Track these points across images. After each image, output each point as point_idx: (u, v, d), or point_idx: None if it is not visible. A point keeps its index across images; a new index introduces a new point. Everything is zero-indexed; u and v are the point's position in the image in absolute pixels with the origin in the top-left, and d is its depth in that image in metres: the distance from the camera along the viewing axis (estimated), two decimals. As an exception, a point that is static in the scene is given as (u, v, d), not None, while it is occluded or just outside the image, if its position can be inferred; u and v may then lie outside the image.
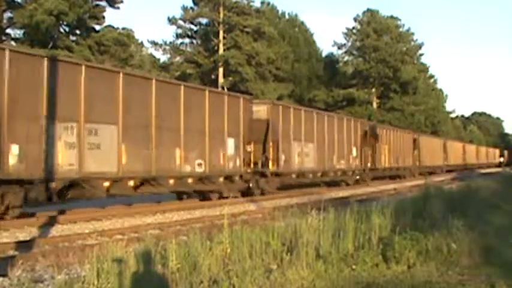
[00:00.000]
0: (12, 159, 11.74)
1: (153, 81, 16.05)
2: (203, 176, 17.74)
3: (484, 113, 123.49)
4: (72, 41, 36.83)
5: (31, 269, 7.54)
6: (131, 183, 15.10)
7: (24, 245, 9.28)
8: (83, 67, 13.72)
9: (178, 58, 50.06)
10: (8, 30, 36.42)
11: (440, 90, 78.47)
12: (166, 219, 13.95)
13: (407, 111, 60.61)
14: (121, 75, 14.83)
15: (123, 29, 42.72)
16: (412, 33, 65.42)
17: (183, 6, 48.30)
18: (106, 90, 14.21)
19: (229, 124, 18.90)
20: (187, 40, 50.34)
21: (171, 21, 48.47)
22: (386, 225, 8.10)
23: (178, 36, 49.43)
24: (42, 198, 12.80)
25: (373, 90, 61.74)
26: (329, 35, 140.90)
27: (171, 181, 16.40)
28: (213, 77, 48.27)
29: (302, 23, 61.06)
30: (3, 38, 35.29)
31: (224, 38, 46.54)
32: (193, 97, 17.33)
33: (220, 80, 46.39)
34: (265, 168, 21.26)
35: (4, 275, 6.95)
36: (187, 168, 16.81)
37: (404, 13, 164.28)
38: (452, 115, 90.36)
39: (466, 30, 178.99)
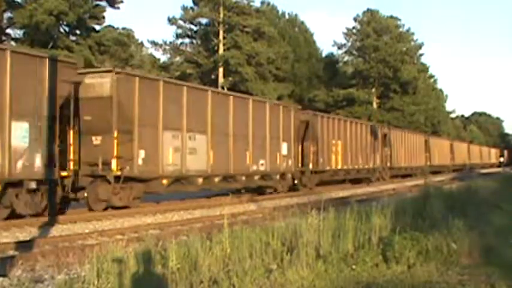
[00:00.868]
0: (140, 161, 15.19)
1: (231, 97, 19.89)
2: (265, 173, 21.33)
3: (484, 113, 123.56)
4: (72, 41, 36.82)
5: (31, 269, 7.54)
6: (216, 179, 18.84)
7: (24, 245, 9.28)
8: (185, 88, 17.53)
9: (178, 58, 50.06)
10: (8, 30, 36.44)
11: (440, 90, 78.57)
12: (166, 219, 13.96)
13: (407, 111, 60.60)
14: (209, 92, 18.65)
15: (123, 29, 42.76)
16: (412, 33, 65.50)
17: (183, 6, 48.34)
18: (199, 106, 17.76)
19: (284, 130, 22.52)
20: (187, 40, 50.37)
21: (171, 21, 48.48)
22: (386, 225, 8.10)
23: (178, 36, 49.45)
24: (155, 192, 16.58)
25: (373, 90, 61.73)
26: (329, 35, 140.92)
27: (243, 178, 20.04)
28: (213, 77, 48.27)
29: (302, 23, 61.15)
30: (3, 38, 35.31)
31: (224, 38, 46.53)
32: (258, 109, 21.03)
33: (220, 80, 46.38)
34: (307, 167, 24.67)
35: (4, 275, 6.95)
36: (254, 167, 20.56)
37: (404, 13, 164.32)
38: (452, 115, 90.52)
39: (466, 30, 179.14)
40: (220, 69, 46.61)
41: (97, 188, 14.72)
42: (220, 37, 46.62)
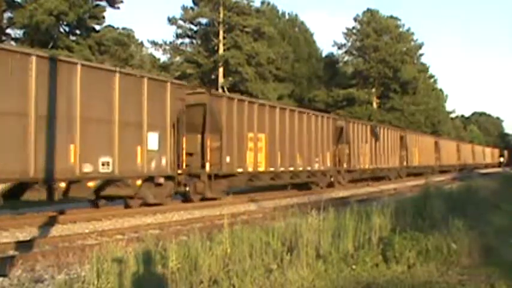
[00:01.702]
0: (227, 162, 19.12)
1: (287, 110, 23.74)
2: (310, 171, 24.97)
3: (484, 113, 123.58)
4: (72, 41, 36.81)
5: (31, 269, 7.54)
6: (287, 176, 23.25)
7: (24, 245, 9.28)
8: (256, 105, 21.29)
9: (178, 58, 50.06)
10: (8, 30, 36.42)
11: (440, 90, 78.49)
12: (166, 219, 13.95)
13: (407, 111, 60.59)
14: (277, 109, 22.80)
15: (123, 29, 42.75)
16: (412, 33, 65.44)
17: (183, 6, 48.35)
18: (271, 118, 21.89)
19: (326, 135, 26.52)
20: (187, 40, 50.37)
21: (171, 21, 48.49)
22: (386, 225, 8.11)
23: (178, 36, 49.46)
24: (239, 186, 20.94)
25: (373, 90, 61.71)
26: (329, 35, 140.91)
27: (306, 175, 25.01)
28: (213, 77, 48.27)
29: (302, 23, 61.12)
30: (3, 38, 35.30)
31: (224, 38, 46.53)
32: (308, 119, 25.10)
33: (220, 80, 46.39)
34: (341, 167, 28.17)
35: (4, 275, 6.95)
36: (308, 168, 24.77)
37: (404, 13, 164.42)
38: (452, 115, 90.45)
39: (466, 30, 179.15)
40: (220, 69, 46.61)
41: (196, 183, 18.12)
42: (220, 37, 46.62)
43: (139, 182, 15.21)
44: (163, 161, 16.05)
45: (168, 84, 16.51)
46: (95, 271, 5.41)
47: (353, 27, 63.32)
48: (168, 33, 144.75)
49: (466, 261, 6.99)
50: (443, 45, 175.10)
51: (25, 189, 12.30)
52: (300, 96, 55.76)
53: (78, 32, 38.03)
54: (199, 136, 18.44)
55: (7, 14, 35.27)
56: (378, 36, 60.95)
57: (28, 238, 10.27)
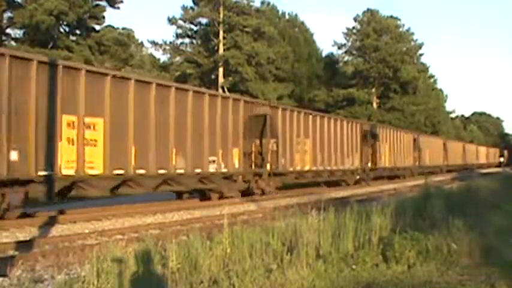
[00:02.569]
0: (282, 163, 22.35)
1: (325, 118, 27.36)
2: (342, 170, 28.77)
3: (484, 113, 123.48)
4: (72, 41, 36.83)
5: (31, 269, 7.54)
6: (325, 174, 26.75)
7: (24, 245, 9.27)
8: (302, 114, 24.81)
9: (178, 58, 50.05)
10: (8, 30, 36.45)
11: (440, 90, 78.45)
12: (166, 219, 13.95)
13: (407, 111, 60.59)
14: (325, 119, 27.03)
15: (123, 29, 42.80)
16: (412, 33, 65.41)
17: (183, 6, 48.33)
18: (321, 127, 26.18)
19: (354, 139, 30.04)
20: (187, 40, 50.36)
21: (171, 21, 48.47)
22: (386, 225, 8.10)
23: (178, 36, 49.44)
24: (289, 183, 23.93)
25: (373, 90, 61.71)
26: (329, 35, 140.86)
27: (340, 173, 28.50)
28: (213, 77, 48.28)
29: (302, 23, 61.10)
30: (3, 38, 35.31)
31: (224, 38, 46.53)
32: (341, 126, 28.63)
33: (220, 80, 46.39)
34: (366, 166, 31.73)
35: (4, 275, 6.95)
36: (341, 167, 28.30)
37: (404, 13, 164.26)
38: (452, 115, 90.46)
39: (466, 30, 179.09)
40: (220, 69, 46.61)
41: (258, 180, 21.25)
42: (220, 37, 46.62)
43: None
44: (237, 162, 19.89)
45: (242, 101, 20.61)
46: (95, 271, 5.41)
47: (353, 27, 63.34)
48: (168, 33, 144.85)
49: (466, 261, 6.99)
50: (443, 45, 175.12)
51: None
52: (300, 96, 55.75)
53: (78, 32, 38.04)
54: (261, 141, 21.61)
55: (7, 14, 35.29)
56: (378, 36, 60.94)
57: (28, 238, 10.27)
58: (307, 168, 24.68)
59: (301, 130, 24.14)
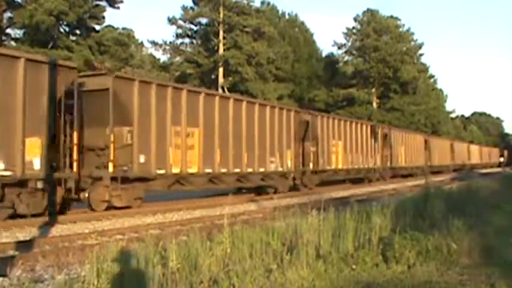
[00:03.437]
0: (321, 162, 25.96)
1: (344, 122, 29.88)
2: (367, 169, 32.21)
3: (484, 113, 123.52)
4: (72, 41, 36.85)
5: (31, 269, 7.54)
6: (353, 172, 30.46)
7: (24, 245, 9.27)
8: (336, 120, 28.86)
9: (178, 58, 50.09)
10: (8, 30, 36.47)
11: (440, 90, 78.50)
12: (166, 219, 13.95)
13: (407, 111, 60.62)
14: (348, 123, 30.01)
15: (123, 29, 42.89)
16: (412, 33, 65.51)
17: (183, 6, 48.41)
18: (351, 131, 29.95)
19: (376, 141, 33.76)
20: (187, 40, 50.42)
21: (171, 21, 48.52)
22: (386, 225, 8.10)
23: (178, 36, 49.50)
24: (328, 179, 27.55)
25: (373, 90, 61.74)
26: (329, 35, 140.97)
27: (365, 171, 32.18)
28: (213, 77, 48.30)
29: (302, 23, 61.18)
30: (3, 38, 35.31)
31: (224, 38, 46.55)
32: (364, 130, 32.02)
33: (220, 80, 46.41)
34: (385, 165, 35.49)
35: (4, 275, 6.95)
36: (365, 166, 31.93)
37: (404, 13, 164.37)
38: (452, 115, 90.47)
39: (466, 30, 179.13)
40: (220, 69, 46.62)
41: (303, 177, 24.66)
42: (220, 37, 46.64)
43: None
44: (289, 162, 23.08)
45: (293, 111, 24.25)
46: (95, 271, 5.40)
47: (353, 27, 63.39)
48: (168, 33, 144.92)
49: (466, 261, 6.99)
50: (443, 45, 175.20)
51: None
52: (300, 96, 55.78)
53: (78, 32, 38.08)
54: (304, 143, 24.74)
55: (7, 14, 35.31)
56: (378, 36, 60.97)
57: (28, 238, 10.27)
58: (340, 167, 28.48)
59: (335, 134, 27.90)
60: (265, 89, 46.53)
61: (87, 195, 14.63)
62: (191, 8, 48.22)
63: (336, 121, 28.64)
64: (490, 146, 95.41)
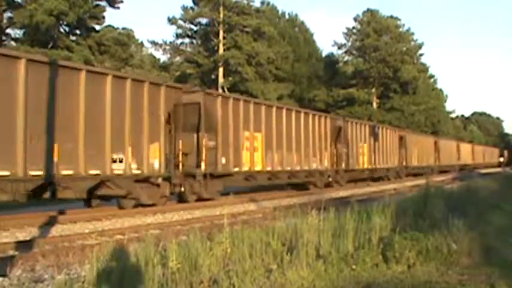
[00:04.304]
0: (350, 162, 29.19)
1: (369, 127, 33.27)
2: (386, 168, 35.47)
3: (484, 113, 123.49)
4: (72, 41, 36.81)
5: (31, 269, 7.54)
6: (375, 171, 33.34)
7: (24, 245, 9.27)
8: (367, 125, 32.69)
9: (178, 58, 50.07)
10: (8, 30, 36.45)
11: (440, 90, 78.37)
12: (166, 219, 13.95)
13: (407, 111, 60.58)
14: (367, 126, 32.75)
15: (123, 29, 42.76)
16: (412, 33, 65.41)
17: (183, 6, 48.35)
18: (364, 131, 32.03)
19: (394, 142, 37.66)
20: (187, 40, 50.36)
21: (171, 21, 48.48)
22: (386, 225, 8.10)
23: (178, 36, 49.45)
24: (357, 177, 30.60)
25: (373, 90, 61.71)
26: (329, 35, 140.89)
27: (384, 171, 35.14)
28: (213, 77, 48.28)
29: (302, 22, 61.10)
30: (3, 38, 35.30)
31: (224, 38, 46.53)
32: (387, 134, 36.06)
33: (220, 80, 46.38)
34: (402, 164, 38.87)
35: (4, 275, 6.95)
36: (386, 166, 35.20)
37: (404, 13, 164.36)
38: (452, 115, 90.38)
39: (466, 30, 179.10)
40: (220, 69, 46.61)
41: (336, 175, 27.95)
42: (220, 37, 46.62)
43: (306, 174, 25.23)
44: (326, 161, 26.77)
45: (329, 117, 27.96)
46: (95, 271, 5.40)
47: (353, 27, 63.34)
48: (168, 33, 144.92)
49: (466, 261, 6.99)
50: (443, 45, 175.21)
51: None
52: (300, 96, 55.74)
53: (78, 32, 38.03)
54: (337, 145, 27.86)
55: (7, 14, 35.28)
56: (378, 36, 60.94)
57: (28, 238, 10.27)
58: (366, 166, 31.64)
59: (362, 137, 31.12)
60: (265, 89, 46.51)
61: (183, 189, 17.37)
62: (191, 8, 48.23)
63: (363, 126, 32.13)
64: (490, 146, 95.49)
